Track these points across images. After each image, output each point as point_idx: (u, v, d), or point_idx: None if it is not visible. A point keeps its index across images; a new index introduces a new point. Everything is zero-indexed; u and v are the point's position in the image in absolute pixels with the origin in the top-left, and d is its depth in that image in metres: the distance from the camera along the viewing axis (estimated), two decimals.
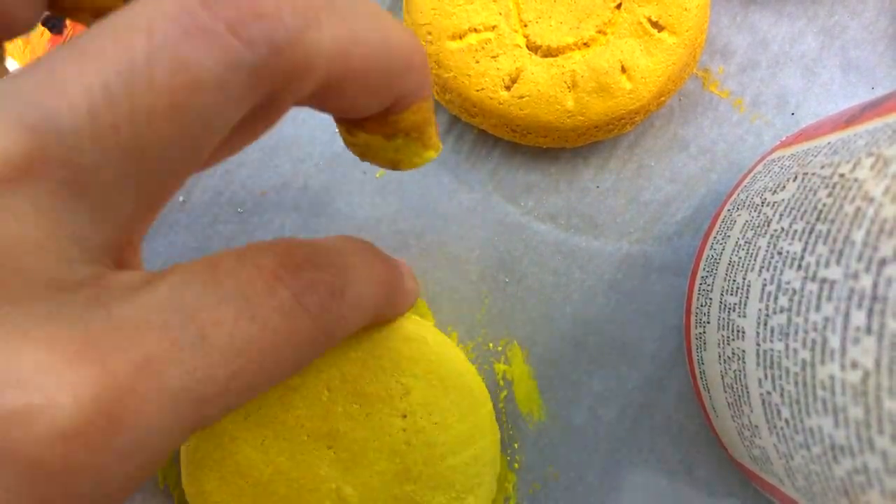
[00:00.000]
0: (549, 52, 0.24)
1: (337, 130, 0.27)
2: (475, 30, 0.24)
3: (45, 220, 0.13)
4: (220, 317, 0.14)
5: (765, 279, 0.19)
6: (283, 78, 0.14)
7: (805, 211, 0.18)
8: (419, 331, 0.24)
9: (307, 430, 0.23)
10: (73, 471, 0.12)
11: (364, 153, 0.21)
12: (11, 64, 0.25)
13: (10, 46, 0.26)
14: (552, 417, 0.26)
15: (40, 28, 0.25)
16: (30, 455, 0.12)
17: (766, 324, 0.19)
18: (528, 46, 0.24)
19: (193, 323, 0.14)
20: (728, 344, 0.21)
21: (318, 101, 0.17)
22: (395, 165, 0.21)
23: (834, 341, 0.16)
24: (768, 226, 0.20)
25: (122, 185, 0.14)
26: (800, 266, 0.17)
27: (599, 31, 0.24)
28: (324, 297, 0.17)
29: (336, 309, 0.17)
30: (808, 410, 0.17)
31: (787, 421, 0.18)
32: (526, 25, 0.24)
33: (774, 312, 0.18)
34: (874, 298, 0.15)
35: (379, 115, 0.20)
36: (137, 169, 0.13)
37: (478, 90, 0.24)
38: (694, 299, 0.24)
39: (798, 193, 0.19)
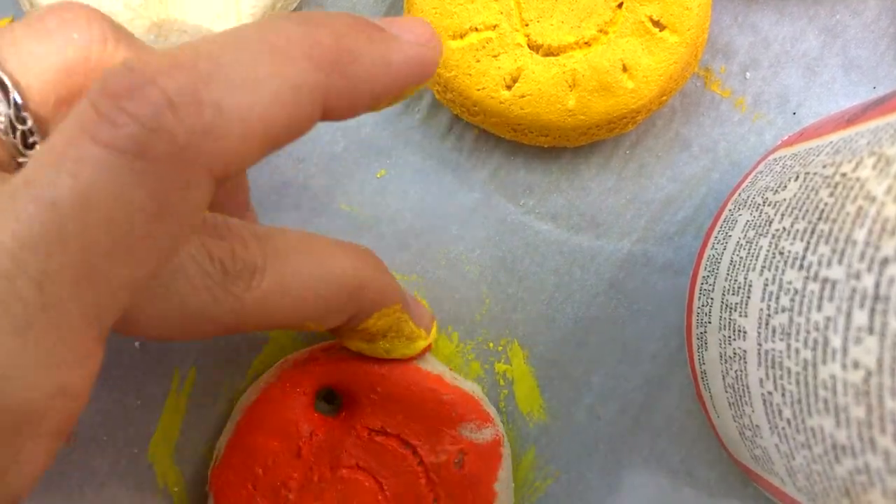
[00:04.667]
0: (551, 52, 0.24)
1: (339, 131, 0.27)
2: (476, 29, 0.24)
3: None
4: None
5: (766, 279, 0.19)
6: None
7: (807, 210, 0.18)
8: None
9: None
10: None
11: (364, 350, 0.23)
12: None
13: None
14: (553, 417, 0.26)
15: None
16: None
17: (767, 323, 0.19)
18: (529, 45, 0.24)
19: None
20: (729, 344, 0.21)
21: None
22: (389, 355, 0.23)
23: (836, 341, 0.16)
24: (770, 225, 0.20)
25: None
26: (801, 266, 0.17)
27: (601, 31, 0.24)
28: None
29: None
30: (809, 410, 0.17)
31: (788, 421, 0.18)
32: (527, 24, 0.24)
33: (776, 312, 0.18)
34: (876, 298, 0.15)
35: (345, 325, 0.21)
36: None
37: (479, 89, 0.24)
38: (695, 299, 0.24)
39: (800, 193, 0.19)
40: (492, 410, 0.25)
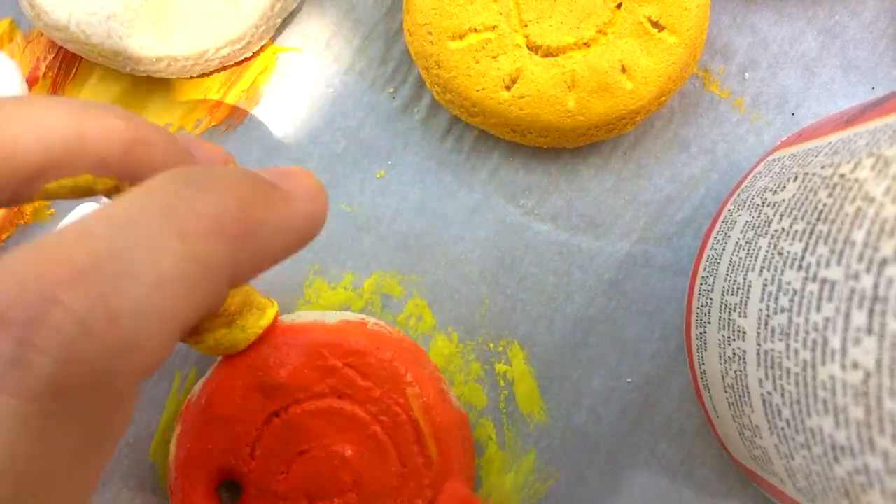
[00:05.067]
0: (550, 52, 0.24)
1: (339, 131, 0.27)
2: (475, 30, 0.24)
3: None
4: None
5: (765, 279, 0.19)
6: None
7: (806, 211, 0.18)
8: None
9: None
10: None
11: (217, 349, 0.23)
12: (9, 62, 0.25)
13: (9, 45, 0.26)
14: (553, 417, 0.26)
15: (37, 30, 0.25)
16: None
17: (766, 324, 0.19)
18: (528, 46, 0.24)
19: None
20: (729, 344, 0.21)
21: None
22: (244, 331, 0.23)
23: (835, 342, 0.16)
24: (769, 226, 0.20)
25: None
26: (800, 266, 0.17)
27: (600, 31, 0.24)
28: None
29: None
30: (808, 411, 0.17)
31: (787, 421, 0.18)
32: (526, 25, 0.24)
33: (775, 313, 0.18)
34: (875, 299, 0.15)
35: (210, 315, 0.21)
36: None
37: (478, 90, 0.24)
38: (694, 299, 0.24)
39: (798, 193, 0.19)
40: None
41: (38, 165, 0.15)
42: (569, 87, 0.24)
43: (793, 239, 0.18)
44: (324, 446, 0.23)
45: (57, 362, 0.11)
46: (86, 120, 0.16)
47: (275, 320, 0.24)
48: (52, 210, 0.26)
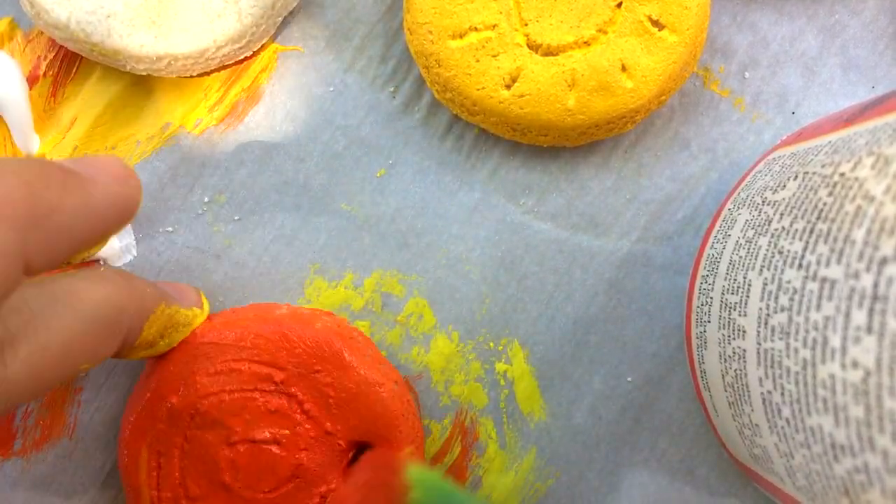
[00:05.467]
0: (550, 51, 0.24)
1: (339, 131, 0.27)
2: (476, 29, 0.24)
3: None
4: None
5: (765, 278, 0.19)
6: None
7: (806, 210, 0.18)
8: None
9: None
10: None
11: (148, 355, 0.23)
12: (10, 61, 0.25)
13: (9, 44, 0.26)
14: (553, 417, 0.26)
15: (37, 29, 0.25)
16: None
17: (766, 323, 0.19)
18: (528, 45, 0.24)
19: None
20: (729, 343, 0.21)
21: None
22: (171, 346, 0.24)
23: (835, 340, 0.16)
24: (769, 225, 0.20)
25: None
26: (800, 265, 0.17)
27: (600, 30, 0.24)
28: None
29: None
30: (808, 409, 0.17)
31: (787, 420, 0.18)
32: (526, 24, 0.24)
33: (775, 311, 0.18)
34: (875, 298, 0.15)
35: (123, 346, 0.21)
36: None
37: (478, 89, 0.24)
38: (695, 298, 0.24)
39: (799, 192, 0.19)
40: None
41: None
42: (569, 86, 0.24)
43: (793, 238, 0.18)
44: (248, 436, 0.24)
45: None
46: None
47: (202, 324, 0.24)
48: None
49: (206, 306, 0.25)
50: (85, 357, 0.19)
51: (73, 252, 0.16)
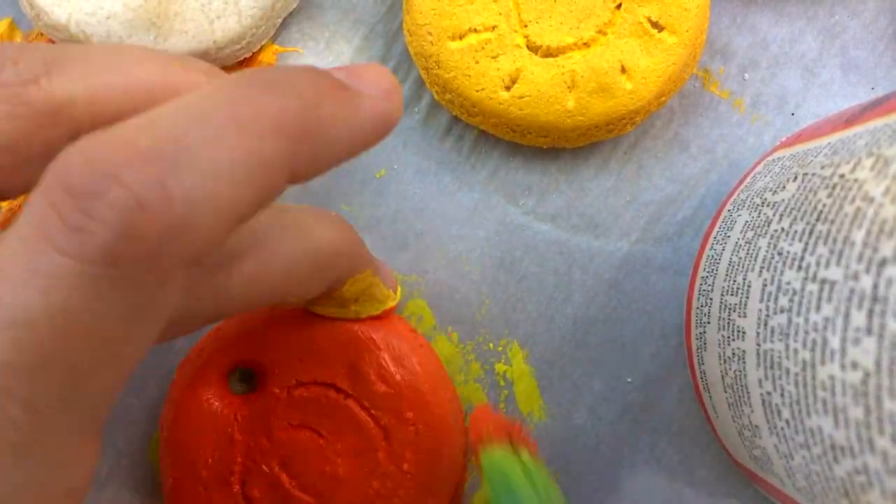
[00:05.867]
0: (550, 53, 0.24)
1: None
2: (475, 30, 0.24)
3: None
4: None
5: (765, 279, 0.19)
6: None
7: (805, 211, 0.18)
8: None
9: None
10: None
11: (334, 314, 0.23)
12: None
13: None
14: (553, 417, 0.26)
15: (37, 30, 0.25)
16: None
17: (766, 324, 0.19)
18: (528, 46, 0.24)
19: None
20: (728, 344, 0.21)
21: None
22: (358, 316, 0.24)
23: (834, 342, 0.16)
24: (768, 226, 0.20)
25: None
26: (800, 266, 0.17)
27: (599, 32, 0.24)
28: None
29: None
30: (808, 411, 0.17)
31: (787, 421, 0.18)
32: (526, 26, 0.24)
33: (775, 313, 0.18)
34: (874, 299, 0.15)
35: (322, 294, 0.22)
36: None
37: (478, 90, 0.24)
38: (694, 299, 0.24)
39: (798, 194, 0.19)
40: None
41: (119, 112, 0.16)
42: (568, 88, 0.24)
43: (792, 239, 0.18)
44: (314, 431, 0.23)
45: (113, 233, 0.12)
46: (170, 72, 0.16)
47: (389, 310, 0.24)
48: None
49: (398, 296, 0.25)
50: (295, 289, 0.20)
51: (334, 164, 0.16)
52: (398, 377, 0.24)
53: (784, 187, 0.20)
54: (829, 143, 0.19)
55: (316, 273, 0.20)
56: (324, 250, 0.20)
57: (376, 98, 0.17)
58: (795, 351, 0.17)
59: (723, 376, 0.22)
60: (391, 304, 0.24)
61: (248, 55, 0.26)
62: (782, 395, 0.18)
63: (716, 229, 0.24)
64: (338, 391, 0.23)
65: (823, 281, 0.16)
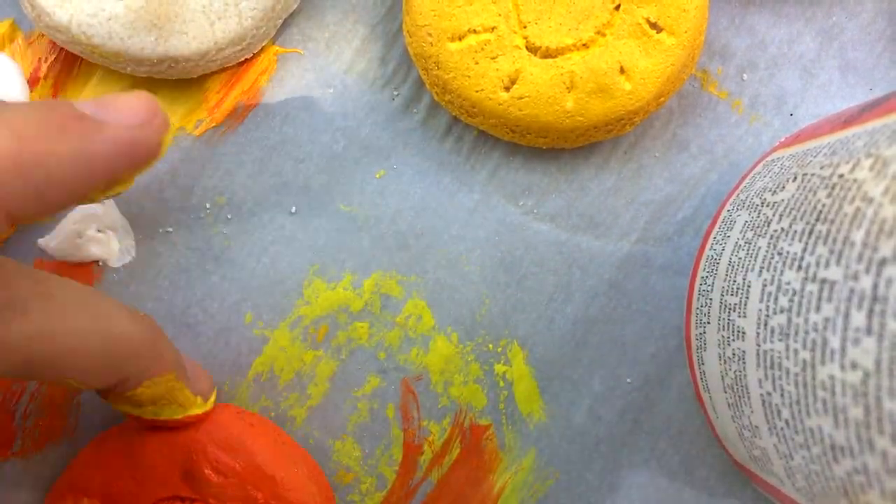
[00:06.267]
0: (549, 54, 0.24)
1: (339, 131, 0.27)
2: (475, 31, 0.24)
3: None
4: None
5: (765, 279, 0.19)
6: None
7: (805, 211, 0.18)
8: None
9: None
10: None
11: (130, 412, 0.22)
12: (11, 64, 0.25)
13: (10, 46, 0.26)
14: (552, 417, 0.26)
15: (38, 31, 0.25)
16: None
17: (766, 324, 0.19)
18: (527, 47, 0.24)
19: None
20: (728, 344, 0.21)
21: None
22: (157, 417, 0.23)
23: (834, 342, 0.16)
24: (768, 226, 0.20)
25: None
26: (800, 266, 0.18)
27: (598, 33, 0.24)
28: None
29: None
30: (808, 411, 0.17)
31: (787, 421, 0.18)
32: (525, 27, 0.24)
33: (774, 313, 0.18)
34: (874, 299, 0.15)
35: (114, 390, 0.20)
36: None
37: (477, 91, 0.24)
38: (694, 299, 0.24)
39: (797, 194, 0.19)
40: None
41: None
42: (568, 88, 0.24)
43: (792, 239, 0.18)
44: None
45: None
46: None
47: (198, 418, 0.24)
48: None
49: (210, 404, 0.24)
50: (77, 371, 0.18)
51: (75, 198, 0.16)
52: (234, 465, 0.23)
53: (783, 187, 0.20)
54: (828, 144, 0.19)
55: (104, 360, 0.19)
56: (117, 339, 0.19)
57: (123, 127, 0.16)
58: (795, 351, 0.17)
59: (723, 376, 0.22)
60: (197, 410, 0.23)
61: (248, 56, 0.26)
62: (782, 395, 0.18)
63: (715, 229, 0.24)
64: (182, 500, 0.23)
65: (823, 281, 0.16)
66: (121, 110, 0.16)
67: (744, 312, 0.20)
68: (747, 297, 0.20)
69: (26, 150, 0.14)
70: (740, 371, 0.20)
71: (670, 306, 0.26)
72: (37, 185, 0.15)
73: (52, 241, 0.25)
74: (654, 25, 0.24)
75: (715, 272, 0.22)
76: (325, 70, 0.27)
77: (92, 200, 0.17)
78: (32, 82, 0.26)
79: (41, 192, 0.15)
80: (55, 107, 0.16)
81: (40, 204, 0.15)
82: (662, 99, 0.25)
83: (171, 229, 0.26)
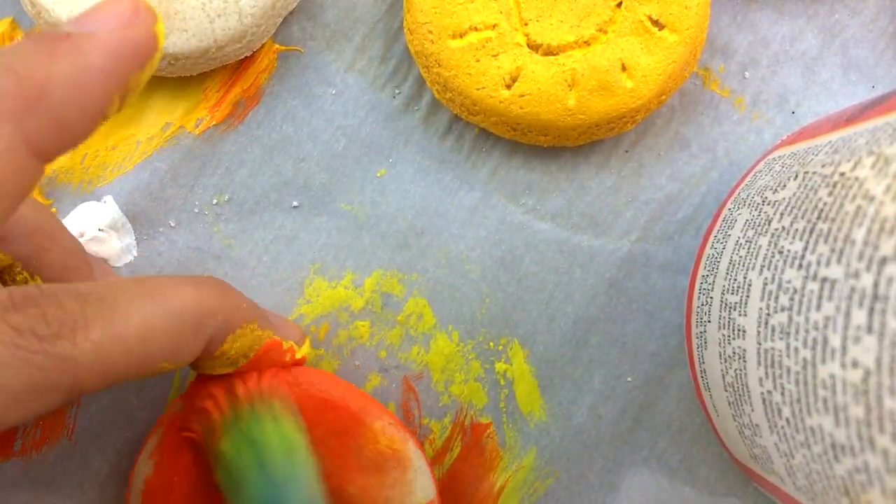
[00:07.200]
0: (550, 51, 0.24)
1: (339, 130, 0.27)
2: (476, 28, 0.24)
3: None
4: None
5: (766, 278, 0.19)
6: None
7: (806, 210, 0.18)
8: None
9: None
10: None
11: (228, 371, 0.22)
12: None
13: (9, 44, 0.26)
14: (553, 417, 0.26)
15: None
16: None
17: (766, 323, 0.19)
18: (528, 45, 0.24)
19: None
20: (729, 343, 0.21)
21: None
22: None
23: (835, 340, 0.16)
24: (769, 224, 0.20)
25: None
26: (801, 265, 0.17)
27: (600, 30, 0.24)
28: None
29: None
30: (808, 409, 0.17)
31: (787, 420, 0.18)
32: (526, 24, 0.24)
33: (775, 311, 0.18)
34: (875, 297, 0.15)
35: (202, 355, 0.21)
36: None
37: (478, 89, 0.24)
38: (695, 298, 0.24)
39: (799, 192, 0.19)
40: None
41: None
42: (569, 86, 0.24)
43: (793, 237, 0.18)
44: None
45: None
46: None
47: (298, 362, 0.24)
48: (54, 209, 0.26)
49: (305, 349, 0.24)
50: (163, 354, 0.19)
51: (92, 115, 0.16)
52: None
53: (785, 186, 0.20)
54: (830, 142, 0.19)
55: (181, 335, 0.19)
56: (186, 310, 0.19)
57: (112, 31, 0.16)
58: (796, 349, 0.17)
59: (723, 375, 0.22)
60: (295, 355, 0.23)
61: (248, 54, 0.26)
62: (783, 393, 0.18)
63: (716, 228, 0.24)
64: None
65: (824, 279, 0.16)
66: (103, 18, 0.16)
67: (744, 311, 0.20)
68: (748, 296, 0.20)
69: (27, 84, 0.14)
70: (741, 369, 0.20)
71: (671, 305, 0.26)
72: (49, 112, 0.15)
73: None
74: (655, 23, 0.24)
75: (716, 271, 0.22)
76: (326, 68, 0.27)
77: (115, 112, 0.17)
78: None
79: (55, 118, 0.15)
80: (38, 37, 0.15)
81: (61, 132, 0.15)
82: (664, 97, 0.25)
83: (172, 228, 0.26)
